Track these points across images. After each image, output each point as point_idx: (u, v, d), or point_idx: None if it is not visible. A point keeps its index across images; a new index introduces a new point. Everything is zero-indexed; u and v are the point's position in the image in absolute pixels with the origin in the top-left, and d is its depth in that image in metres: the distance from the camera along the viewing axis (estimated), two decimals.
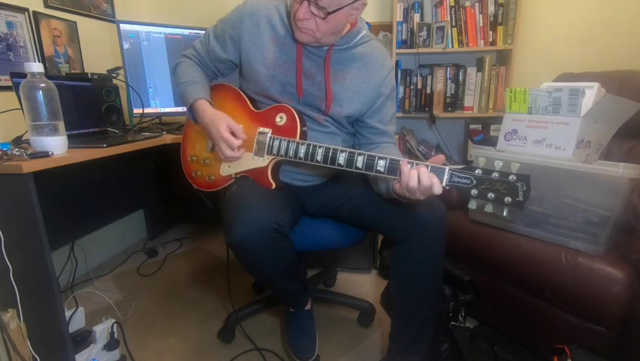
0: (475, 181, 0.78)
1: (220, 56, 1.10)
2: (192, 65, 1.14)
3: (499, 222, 1.22)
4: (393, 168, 0.86)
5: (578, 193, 1.07)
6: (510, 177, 0.75)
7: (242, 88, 1.14)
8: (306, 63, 1.03)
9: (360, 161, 0.90)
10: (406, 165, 0.82)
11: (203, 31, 1.18)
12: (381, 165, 0.87)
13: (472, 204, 0.82)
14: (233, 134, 0.99)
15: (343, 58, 1.04)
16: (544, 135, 1.15)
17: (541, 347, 1.11)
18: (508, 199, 0.76)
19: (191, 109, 1.06)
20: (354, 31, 1.04)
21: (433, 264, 1.01)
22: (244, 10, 1.05)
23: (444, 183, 0.80)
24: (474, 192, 0.79)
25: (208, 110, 1.03)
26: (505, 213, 0.78)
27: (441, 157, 0.82)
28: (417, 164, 0.82)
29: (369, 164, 0.89)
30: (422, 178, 0.79)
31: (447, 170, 0.80)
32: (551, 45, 1.95)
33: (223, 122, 0.99)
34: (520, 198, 0.75)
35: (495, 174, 0.77)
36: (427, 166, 0.81)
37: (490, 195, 0.77)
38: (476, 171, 0.78)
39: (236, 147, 0.99)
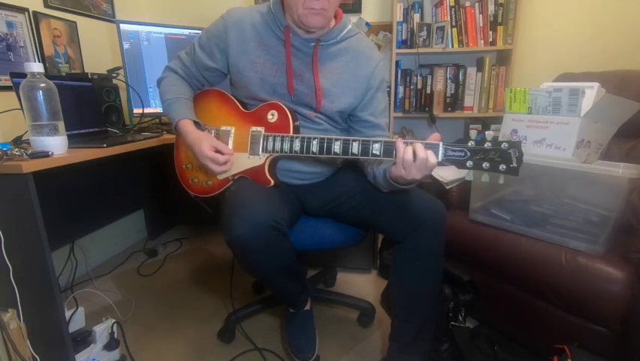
0: (469, 153, 0.81)
1: (208, 65, 1.11)
2: (176, 80, 1.15)
3: (499, 222, 1.22)
4: (389, 150, 0.88)
5: (578, 193, 1.07)
6: (502, 145, 0.79)
7: (233, 95, 1.15)
8: (295, 62, 1.03)
9: (355, 147, 0.91)
10: (401, 142, 0.84)
11: None
12: (376, 148, 0.89)
13: (470, 176, 0.84)
14: (218, 151, 1.01)
15: (330, 53, 1.05)
16: (544, 135, 1.15)
17: (541, 347, 1.11)
18: (502, 167, 0.79)
19: (176, 128, 1.08)
20: (340, 26, 1.04)
21: (433, 263, 1.01)
22: (228, 19, 1.06)
23: (440, 158, 0.83)
24: (469, 163, 0.82)
25: (190, 131, 1.05)
26: (501, 181, 0.81)
27: (437, 135, 0.84)
28: (411, 142, 0.84)
29: (365, 148, 0.90)
30: (417, 151, 0.82)
31: (441, 145, 0.83)
32: (551, 45, 1.95)
33: (205, 142, 1.01)
34: (514, 164, 0.78)
35: (487, 144, 0.80)
36: (422, 143, 0.83)
37: (485, 164, 0.80)
38: (469, 143, 0.81)
39: (223, 162, 1.01)
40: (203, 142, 1.01)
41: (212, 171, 1.03)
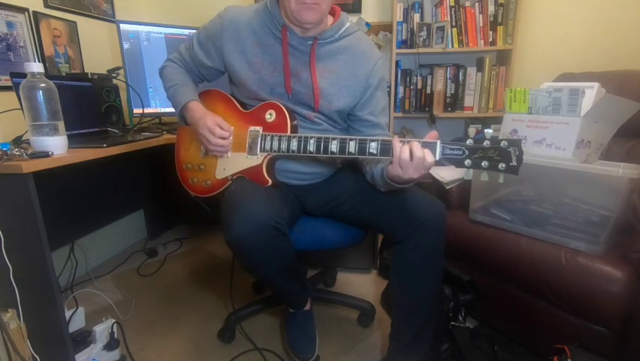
0: (467, 152, 0.80)
1: (204, 63, 1.12)
2: (179, 69, 1.16)
3: (499, 222, 1.22)
4: (386, 149, 0.87)
5: (578, 193, 1.06)
6: (502, 143, 0.77)
7: (233, 94, 1.15)
8: (292, 62, 1.03)
9: (352, 146, 0.91)
10: (397, 141, 0.83)
11: None
12: (373, 147, 0.89)
13: (468, 175, 0.83)
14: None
15: (328, 52, 1.04)
16: (544, 135, 1.15)
17: (541, 347, 1.11)
18: (502, 165, 0.77)
19: (184, 110, 1.08)
20: (337, 24, 1.03)
21: (433, 263, 1.01)
22: (224, 18, 1.05)
23: (437, 157, 0.81)
24: (468, 162, 0.80)
25: (200, 109, 1.06)
26: (501, 180, 0.79)
27: (434, 133, 0.83)
28: (408, 141, 0.83)
29: (362, 148, 0.90)
30: (414, 150, 0.81)
31: (438, 143, 0.81)
32: (551, 45, 1.95)
33: (211, 117, 1.03)
34: (514, 163, 0.76)
35: (486, 142, 0.78)
36: (419, 142, 0.82)
37: (484, 163, 0.79)
38: (467, 142, 0.79)
39: (219, 136, 1.01)
40: (209, 116, 1.03)
41: (205, 142, 1.03)
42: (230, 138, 1.04)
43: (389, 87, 1.99)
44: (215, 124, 1.02)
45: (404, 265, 1.03)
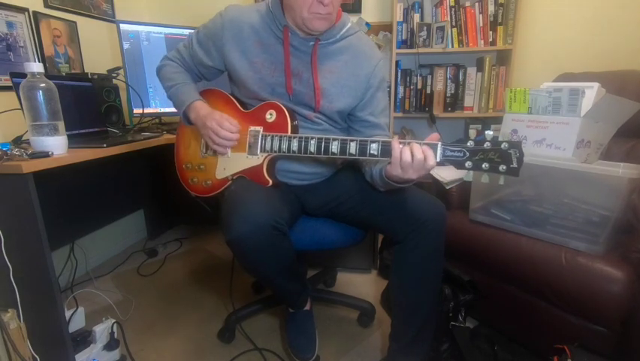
0: (468, 153, 0.80)
1: (204, 62, 1.12)
2: (178, 68, 1.16)
3: (499, 222, 1.22)
4: (387, 150, 0.87)
5: (578, 193, 1.07)
6: (502, 145, 0.77)
7: (234, 93, 1.15)
8: (293, 62, 1.03)
9: (353, 147, 0.91)
10: (396, 142, 0.83)
11: None
12: (374, 148, 0.89)
13: (469, 177, 0.83)
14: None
15: (330, 52, 1.04)
16: (544, 135, 1.15)
17: (541, 347, 1.11)
18: (502, 167, 0.77)
19: (189, 109, 1.08)
20: (339, 24, 1.03)
21: (433, 263, 1.01)
22: (225, 17, 1.05)
23: (438, 159, 0.81)
24: (468, 164, 0.80)
25: (206, 107, 1.06)
26: (501, 182, 0.79)
27: (435, 135, 0.83)
28: (409, 142, 0.82)
29: (362, 149, 0.90)
30: (415, 152, 0.80)
31: (439, 145, 0.81)
32: (551, 45, 1.96)
33: (218, 113, 1.03)
34: (515, 165, 0.76)
35: (487, 144, 0.78)
36: (420, 143, 0.82)
37: (485, 165, 0.79)
38: (468, 143, 0.79)
39: (227, 129, 1.00)
40: (217, 112, 1.03)
41: (211, 135, 1.01)
42: (237, 134, 1.03)
43: (389, 87, 1.99)
44: (223, 118, 1.02)
45: (404, 265, 1.03)
